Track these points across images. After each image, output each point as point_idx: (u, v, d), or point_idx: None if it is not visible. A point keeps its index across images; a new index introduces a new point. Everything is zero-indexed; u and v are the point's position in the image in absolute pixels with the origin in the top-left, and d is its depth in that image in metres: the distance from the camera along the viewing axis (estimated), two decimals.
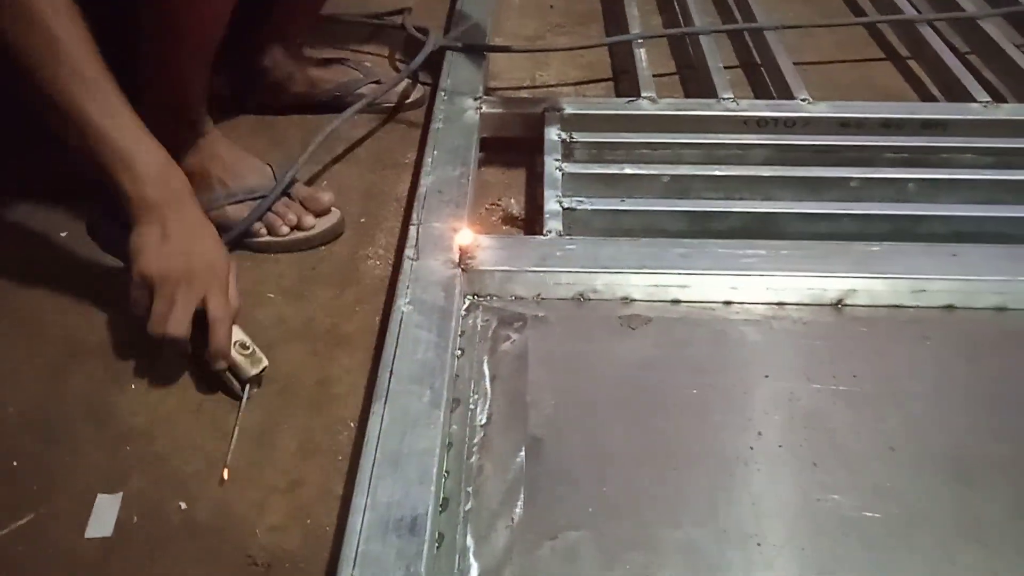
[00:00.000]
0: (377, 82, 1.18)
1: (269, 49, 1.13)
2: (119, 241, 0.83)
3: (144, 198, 0.77)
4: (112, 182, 0.76)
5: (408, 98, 1.21)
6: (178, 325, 0.76)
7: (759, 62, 1.32)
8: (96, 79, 0.73)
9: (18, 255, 0.95)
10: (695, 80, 1.28)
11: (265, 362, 0.79)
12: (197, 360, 0.80)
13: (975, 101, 1.12)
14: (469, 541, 0.64)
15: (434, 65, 1.22)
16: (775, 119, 1.08)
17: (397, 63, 1.34)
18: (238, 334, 0.79)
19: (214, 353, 0.77)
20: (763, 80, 1.28)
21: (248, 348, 0.79)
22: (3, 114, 0.96)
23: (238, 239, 0.94)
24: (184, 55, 0.87)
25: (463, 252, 0.85)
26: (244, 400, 0.78)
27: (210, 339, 0.77)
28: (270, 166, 1.00)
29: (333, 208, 0.99)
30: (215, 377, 0.79)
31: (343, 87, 1.18)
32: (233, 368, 0.78)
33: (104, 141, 0.74)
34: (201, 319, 0.77)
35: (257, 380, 0.79)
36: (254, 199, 0.95)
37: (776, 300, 0.84)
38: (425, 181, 0.96)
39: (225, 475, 0.72)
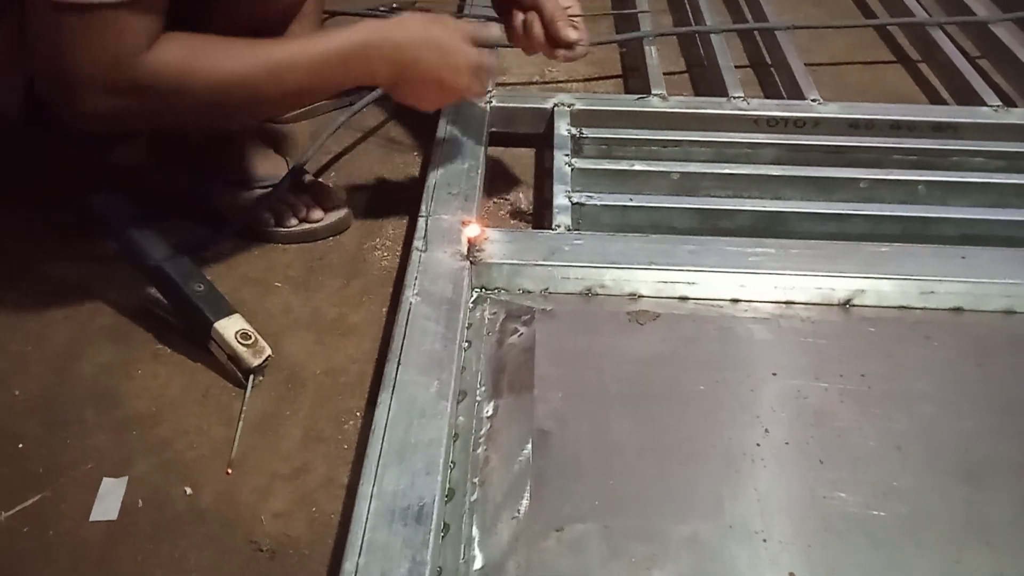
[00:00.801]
0: None
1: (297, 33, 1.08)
2: (118, 225, 0.83)
3: (381, 69, 0.80)
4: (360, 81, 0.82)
5: None
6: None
7: (769, 62, 1.32)
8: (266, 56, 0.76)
9: (24, 239, 0.95)
10: (705, 79, 1.28)
11: (268, 351, 0.79)
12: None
13: (986, 105, 1.12)
14: (475, 531, 0.64)
15: None
16: (785, 119, 1.08)
17: None
18: (240, 323, 0.79)
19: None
20: (773, 80, 1.28)
21: (251, 338, 0.78)
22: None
23: (244, 227, 0.94)
24: None
25: (471, 245, 0.85)
26: (248, 391, 0.78)
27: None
28: (283, 157, 1.00)
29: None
30: (218, 363, 0.80)
31: None
32: (235, 358, 0.78)
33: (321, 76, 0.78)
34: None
35: (260, 370, 0.79)
36: (265, 187, 0.95)
37: (784, 299, 0.84)
38: (434, 174, 0.96)
39: (229, 471, 0.72)
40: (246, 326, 0.79)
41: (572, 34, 0.88)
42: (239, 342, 0.78)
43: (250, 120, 0.94)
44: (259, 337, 0.79)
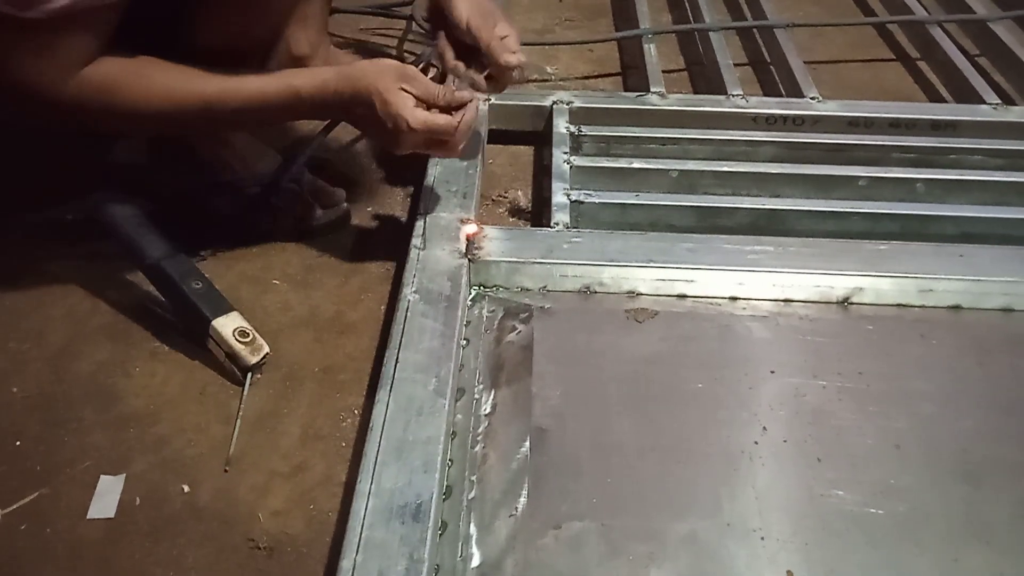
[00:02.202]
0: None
1: (302, 38, 1.02)
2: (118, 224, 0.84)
3: (325, 107, 0.79)
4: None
5: None
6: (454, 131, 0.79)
7: (769, 60, 1.32)
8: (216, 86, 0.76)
9: (23, 238, 0.94)
10: (704, 76, 1.28)
11: (266, 349, 0.79)
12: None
13: (985, 103, 1.12)
14: (472, 529, 0.64)
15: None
16: (784, 117, 1.08)
17: (405, 55, 1.34)
18: (238, 321, 0.79)
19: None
20: (772, 78, 1.28)
21: (248, 336, 0.78)
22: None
23: (243, 225, 0.94)
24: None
25: (470, 242, 0.85)
26: (246, 389, 0.78)
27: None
28: (280, 154, 0.99)
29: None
30: (216, 361, 0.80)
31: None
32: (233, 356, 0.78)
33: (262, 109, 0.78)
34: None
35: (258, 367, 0.79)
36: (263, 186, 0.95)
37: (783, 297, 0.84)
38: (433, 171, 0.96)
39: (227, 468, 0.72)
40: (244, 324, 0.79)
41: (512, 59, 0.84)
42: (237, 340, 0.78)
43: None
44: (257, 335, 0.79)
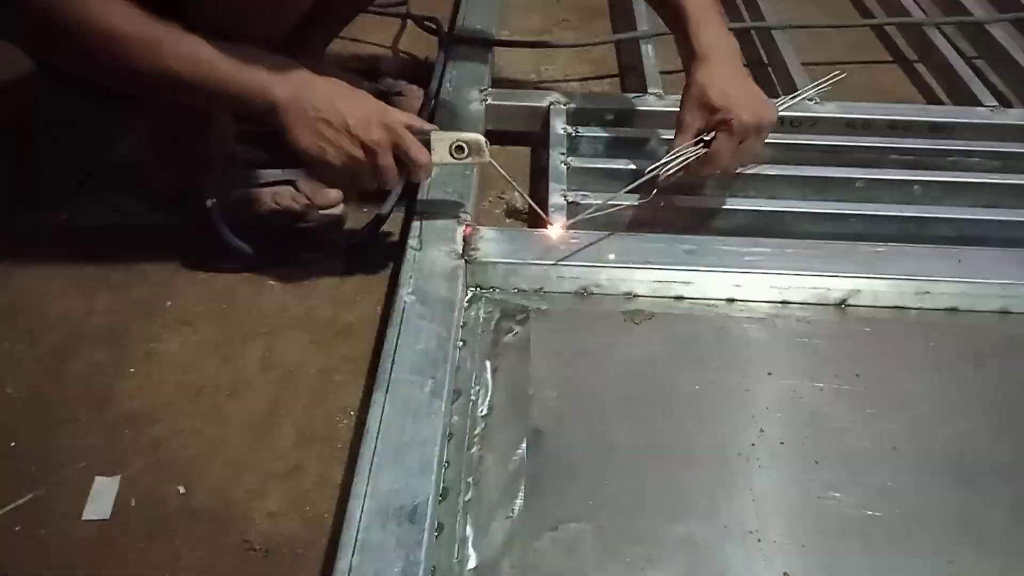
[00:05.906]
0: (399, 94, 1.17)
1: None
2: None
3: (276, 102, 0.75)
4: (250, 111, 0.76)
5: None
6: (392, 178, 0.80)
7: (767, 62, 1.31)
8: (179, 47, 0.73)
9: (19, 238, 0.94)
10: None
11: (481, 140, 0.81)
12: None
13: (982, 105, 1.12)
14: (468, 531, 0.64)
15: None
16: (782, 118, 1.06)
17: (400, 54, 1.34)
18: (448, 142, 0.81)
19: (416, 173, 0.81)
20: (770, 79, 1.27)
21: (464, 151, 0.81)
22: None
23: (241, 226, 0.94)
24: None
25: (466, 244, 0.85)
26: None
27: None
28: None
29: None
30: (212, 362, 0.79)
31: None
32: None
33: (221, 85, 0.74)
34: None
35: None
36: (262, 186, 0.95)
37: (780, 299, 0.84)
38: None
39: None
40: (448, 141, 0.81)
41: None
42: (454, 156, 0.81)
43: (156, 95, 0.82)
44: (463, 140, 0.81)
